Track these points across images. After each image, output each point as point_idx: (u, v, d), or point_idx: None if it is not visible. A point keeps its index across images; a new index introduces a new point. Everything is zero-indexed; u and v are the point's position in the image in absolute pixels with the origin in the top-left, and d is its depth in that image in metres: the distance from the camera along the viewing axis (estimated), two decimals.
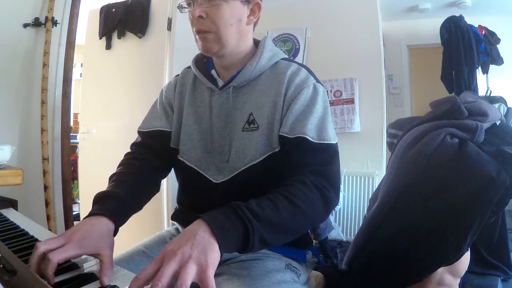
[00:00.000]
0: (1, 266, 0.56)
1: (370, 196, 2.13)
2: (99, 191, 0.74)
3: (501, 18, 3.27)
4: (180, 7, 0.83)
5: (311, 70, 0.87)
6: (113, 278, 0.57)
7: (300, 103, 0.79)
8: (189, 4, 0.81)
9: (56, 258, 0.54)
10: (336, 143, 0.79)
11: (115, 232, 0.69)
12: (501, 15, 3.27)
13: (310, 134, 0.75)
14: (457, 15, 3.07)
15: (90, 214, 0.68)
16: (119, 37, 2.44)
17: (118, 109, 2.45)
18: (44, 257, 0.55)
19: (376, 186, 1.90)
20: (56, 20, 1.97)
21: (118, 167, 0.87)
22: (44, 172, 1.89)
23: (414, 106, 3.80)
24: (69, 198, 1.99)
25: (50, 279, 0.53)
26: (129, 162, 0.89)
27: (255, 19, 0.86)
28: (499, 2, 3.15)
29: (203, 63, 0.92)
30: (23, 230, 0.80)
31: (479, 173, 0.90)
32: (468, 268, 1.01)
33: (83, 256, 0.65)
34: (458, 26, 3.00)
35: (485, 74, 3.13)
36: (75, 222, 2.03)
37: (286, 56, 0.91)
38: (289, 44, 3.13)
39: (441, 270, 0.95)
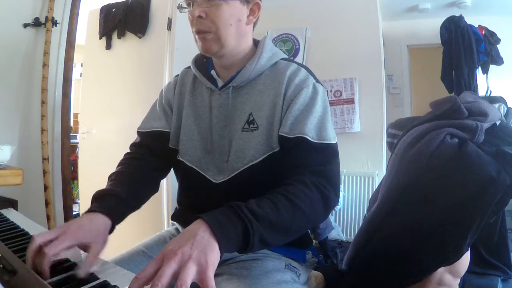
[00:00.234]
0: (1, 266, 0.56)
1: (370, 196, 2.13)
2: (99, 189, 0.76)
3: (501, 18, 3.27)
4: (179, 7, 0.83)
5: (311, 70, 0.87)
6: (113, 278, 0.57)
7: (300, 103, 0.79)
8: (188, 4, 0.81)
9: (51, 251, 0.56)
10: (336, 143, 0.79)
11: (112, 229, 0.71)
12: (501, 15, 3.27)
13: (310, 134, 0.75)
14: (457, 15, 3.07)
15: (88, 211, 0.70)
16: (119, 37, 2.44)
17: (118, 109, 2.45)
18: (40, 250, 0.56)
19: (376, 186, 1.90)
20: (56, 20, 1.97)
21: (117, 167, 0.88)
22: (44, 172, 1.89)
23: (414, 106, 3.80)
24: (69, 198, 2.00)
25: (46, 273, 0.55)
26: (128, 162, 0.90)
27: (254, 19, 0.86)
28: (499, 2, 3.15)
29: (203, 63, 0.92)
30: (23, 230, 0.80)
31: (479, 173, 0.90)
32: (468, 268, 1.01)
33: (83, 256, 0.65)
34: (458, 26, 3.00)
35: (485, 74, 3.13)
36: None
37: (286, 56, 0.91)
38: (289, 44, 3.12)
39: (441, 270, 0.95)
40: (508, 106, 2.35)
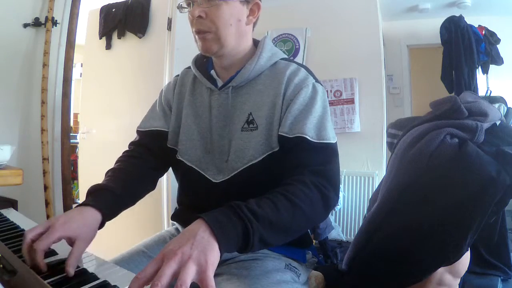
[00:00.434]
0: (1, 266, 0.56)
1: (370, 196, 2.13)
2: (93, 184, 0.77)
3: (501, 18, 3.27)
4: (179, 7, 0.83)
5: (311, 70, 0.87)
6: (113, 278, 0.57)
7: (299, 102, 0.79)
8: (188, 4, 0.81)
9: (41, 246, 0.58)
10: (336, 142, 0.79)
11: (102, 225, 0.72)
12: (501, 15, 3.27)
13: (310, 133, 0.76)
14: (457, 15, 3.07)
15: (80, 204, 0.71)
16: (119, 37, 2.44)
17: (118, 109, 2.45)
18: (32, 244, 0.59)
19: (376, 186, 1.90)
20: (56, 20, 1.97)
21: (115, 164, 0.90)
22: (44, 172, 1.89)
23: (414, 106, 3.80)
24: (69, 198, 2.00)
25: (41, 267, 0.57)
26: (125, 159, 0.91)
27: (254, 19, 0.86)
28: (499, 2, 3.15)
29: (203, 63, 0.92)
30: (23, 230, 0.80)
31: (479, 173, 0.90)
32: (468, 268, 1.01)
33: (83, 256, 0.66)
34: (458, 26, 3.00)
35: (485, 74, 3.13)
36: None
37: (286, 56, 0.92)
38: (289, 44, 3.12)
39: (441, 270, 0.95)
40: (508, 106, 2.35)
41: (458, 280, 1.01)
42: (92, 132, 2.58)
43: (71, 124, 2.46)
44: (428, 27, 3.45)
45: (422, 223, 0.95)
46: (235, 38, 0.82)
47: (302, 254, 0.89)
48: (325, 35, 3.04)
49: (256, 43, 0.90)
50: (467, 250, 0.94)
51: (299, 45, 3.09)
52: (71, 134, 2.12)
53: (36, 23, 1.91)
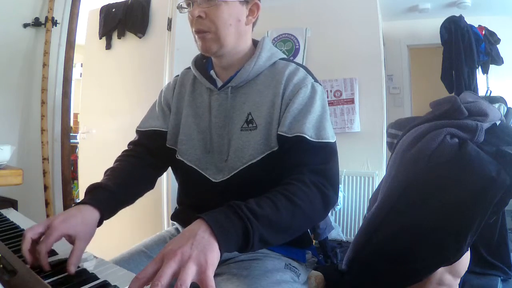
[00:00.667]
0: (1, 266, 0.56)
1: (370, 196, 2.13)
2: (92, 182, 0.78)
3: (501, 18, 3.27)
4: (179, 7, 0.84)
5: (310, 70, 0.87)
6: (113, 278, 0.57)
7: (298, 102, 0.79)
8: (188, 5, 0.82)
9: (43, 248, 0.58)
10: (335, 141, 0.79)
11: (100, 223, 0.72)
12: (501, 15, 3.27)
13: (309, 133, 0.76)
14: (457, 15, 3.07)
15: (79, 203, 0.71)
16: (119, 37, 2.44)
17: (118, 109, 2.45)
18: (32, 243, 0.60)
19: (376, 186, 1.90)
20: (56, 20, 1.97)
21: (114, 163, 0.90)
22: (44, 172, 1.89)
23: (414, 106, 3.80)
24: (69, 198, 2.00)
25: (45, 268, 0.58)
26: (124, 158, 0.91)
27: (253, 19, 0.87)
28: (499, 2, 3.15)
29: (203, 63, 0.93)
30: (23, 230, 0.80)
31: (479, 173, 0.90)
32: (468, 268, 1.01)
33: (83, 256, 0.66)
34: (458, 26, 3.00)
35: (485, 74, 3.13)
36: None
37: (285, 56, 0.92)
38: (289, 44, 3.12)
39: (441, 270, 0.95)
40: (508, 106, 2.34)
41: (458, 280, 1.01)
42: (92, 132, 2.58)
43: (71, 124, 2.46)
44: (428, 27, 3.45)
45: (422, 223, 0.95)
46: (234, 38, 0.83)
47: (302, 254, 0.89)
48: (325, 35, 3.03)
49: (255, 43, 0.90)
50: (467, 250, 0.94)
51: (299, 45, 3.09)
52: (71, 134, 2.12)
53: (36, 23, 1.91)
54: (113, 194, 0.76)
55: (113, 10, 2.46)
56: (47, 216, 1.85)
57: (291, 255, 0.86)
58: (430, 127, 1.05)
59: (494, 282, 1.68)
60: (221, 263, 0.82)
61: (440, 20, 3.12)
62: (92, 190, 0.76)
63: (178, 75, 1.00)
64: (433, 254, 0.92)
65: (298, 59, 3.03)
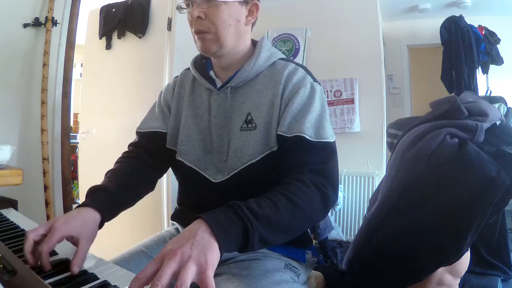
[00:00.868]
0: (1, 266, 0.56)
1: (370, 196, 2.13)
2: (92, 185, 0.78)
3: (501, 18, 3.27)
4: (179, 8, 0.84)
5: (309, 70, 0.87)
6: (113, 278, 0.57)
7: (298, 102, 0.79)
8: (188, 5, 0.82)
9: (45, 248, 0.59)
10: (334, 141, 0.79)
11: (101, 224, 0.73)
12: (501, 15, 3.27)
13: (308, 132, 0.76)
14: (457, 15, 3.06)
15: (80, 205, 0.72)
16: (119, 37, 2.44)
17: (118, 109, 2.45)
18: (34, 244, 0.60)
19: (376, 186, 1.90)
20: (56, 20, 1.97)
21: (114, 165, 0.90)
22: (44, 172, 1.89)
23: (414, 106, 3.80)
24: (69, 198, 2.00)
25: (47, 268, 0.58)
26: (124, 160, 0.91)
27: (253, 20, 0.87)
28: (499, 2, 3.15)
29: (202, 64, 0.93)
30: (23, 230, 0.80)
31: (479, 173, 0.90)
32: (468, 268, 1.01)
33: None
34: (458, 26, 3.00)
35: (485, 74, 3.13)
36: None
37: (284, 56, 0.92)
38: (289, 44, 3.12)
39: (441, 270, 0.95)
40: (508, 106, 2.34)
41: (458, 280, 1.01)
42: (92, 132, 2.58)
43: (71, 124, 2.46)
44: (428, 27, 3.45)
45: (422, 223, 0.95)
46: (234, 39, 0.83)
47: (302, 254, 0.89)
48: (325, 35, 3.03)
49: (254, 43, 0.90)
50: (467, 250, 0.94)
51: (299, 45, 3.09)
52: (71, 134, 2.12)
53: (36, 23, 1.91)
54: (113, 196, 0.76)
55: (113, 10, 2.46)
56: (47, 216, 1.85)
57: (291, 255, 0.86)
58: (430, 127, 1.05)
59: (494, 282, 1.68)
60: (221, 263, 0.82)
61: (440, 20, 3.12)
62: (93, 192, 0.76)
63: (177, 76, 1.00)
64: (433, 254, 0.92)
65: (298, 59, 3.03)
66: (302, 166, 0.73)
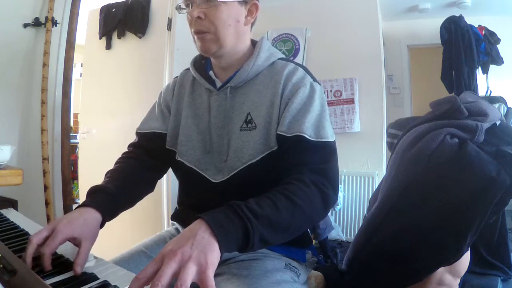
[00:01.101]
0: (1, 266, 0.56)
1: (370, 196, 2.13)
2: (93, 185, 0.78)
3: (501, 18, 3.26)
4: (178, 8, 0.84)
5: (308, 69, 0.88)
6: (113, 278, 0.57)
7: (297, 102, 0.79)
8: (187, 5, 0.81)
9: (48, 250, 0.59)
10: (334, 141, 0.79)
11: (102, 224, 0.73)
12: (501, 15, 3.27)
13: (308, 132, 0.76)
14: (457, 15, 3.06)
15: (80, 206, 0.72)
16: (119, 37, 2.43)
17: (118, 109, 2.45)
18: (37, 248, 0.60)
19: (376, 186, 1.90)
20: (56, 20, 1.97)
21: (114, 165, 0.90)
22: (44, 172, 1.89)
23: (414, 106, 3.80)
24: (69, 198, 2.00)
25: (48, 268, 0.58)
26: (124, 160, 0.91)
27: (252, 20, 0.87)
28: (499, 2, 3.15)
29: (202, 64, 0.93)
30: (23, 230, 0.80)
31: (479, 173, 0.90)
32: (468, 268, 1.01)
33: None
34: (458, 26, 3.00)
35: (485, 74, 3.13)
36: None
37: (283, 56, 0.92)
38: (289, 44, 3.12)
39: (441, 270, 0.95)
40: (508, 106, 2.34)
41: (458, 280, 1.01)
42: (92, 132, 2.58)
43: (71, 124, 2.46)
44: (428, 27, 3.45)
45: (422, 223, 0.95)
46: (233, 39, 0.83)
47: (302, 254, 0.89)
48: (325, 35, 3.03)
49: (254, 43, 0.90)
50: (467, 250, 0.94)
51: (299, 45, 3.09)
52: (71, 134, 2.12)
53: (36, 23, 1.91)
54: (113, 197, 0.77)
55: (113, 10, 2.46)
56: (47, 216, 1.85)
57: (291, 255, 0.86)
58: (430, 127, 1.05)
59: (494, 282, 1.68)
60: (221, 263, 0.82)
61: (440, 20, 3.12)
62: (93, 192, 0.76)
63: (177, 76, 1.00)
64: (433, 254, 0.92)
65: (298, 59, 3.03)
66: (302, 165, 0.73)
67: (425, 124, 1.10)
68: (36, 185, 1.87)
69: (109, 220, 0.75)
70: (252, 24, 0.88)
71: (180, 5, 0.83)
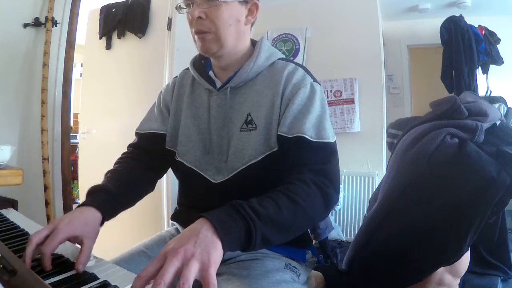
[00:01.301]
0: (1, 266, 0.56)
1: (370, 196, 2.13)
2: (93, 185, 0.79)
3: (501, 18, 3.27)
4: (178, 8, 0.83)
5: (308, 70, 0.87)
6: (113, 278, 0.57)
7: (298, 102, 0.79)
8: (187, 5, 0.81)
9: (48, 249, 0.59)
10: (335, 142, 0.79)
11: (101, 223, 0.73)
12: (501, 15, 3.27)
13: (309, 133, 0.76)
14: (457, 15, 3.06)
15: (81, 205, 0.72)
16: (119, 37, 2.43)
17: (118, 109, 2.45)
18: (36, 247, 0.59)
19: (376, 186, 1.90)
20: (56, 20, 1.97)
21: (114, 165, 0.90)
22: (44, 172, 1.89)
23: (414, 106, 3.80)
24: (69, 198, 2.00)
25: (48, 268, 0.58)
26: (124, 161, 0.91)
27: (253, 19, 0.87)
28: (499, 2, 3.15)
29: (201, 64, 0.93)
30: (23, 230, 0.80)
31: (479, 173, 0.90)
32: (468, 268, 1.01)
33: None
34: (458, 26, 3.00)
35: (485, 74, 3.13)
36: None
37: (283, 56, 0.92)
38: (289, 44, 3.12)
39: (441, 270, 0.95)
40: (508, 106, 2.35)
41: (458, 280, 1.01)
42: (92, 132, 2.58)
43: (71, 124, 2.46)
44: (428, 27, 3.45)
45: (422, 223, 0.95)
46: (234, 39, 0.83)
47: (302, 254, 0.89)
48: (325, 35, 3.03)
49: (254, 43, 0.90)
50: (467, 250, 0.94)
51: (299, 45, 3.09)
52: (71, 134, 2.12)
53: (36, 23, 1.91)
54: (113, 197, 0.77)
55: (113, 10, 2.46)
56: (47, 216, 1.85)
57: (291, 255, 0.86)
58: (430, 127, 1.05)
59: (494, 282, 1.68)
60: (222, 263, 0.82)
61: (440, 20, 3.12)
62: (93, 192, 0.76)
63: (176, 76, 1.00)
64: (433, 254, 0.92)
65: (298, 59, 3.03)
66: (303, 166, 0.73)
67: (425, 124, 1.10)
68: (36, 185, 1.87)
69: (108, 220, 0.75)
70: (252, 23, 0.88)
71: (180, 5, 0.82)
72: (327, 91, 2.95)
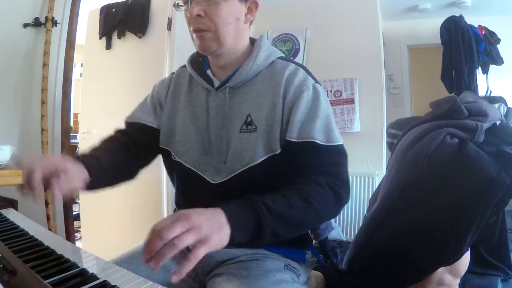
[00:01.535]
0: (1, 266, 0.56)
1: (370, 196, 2.13)
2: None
3: (501, 18, 3.26)
4: (176, 5, 0.82)
5: (308, 69, 0.87)
6: (113, 278, 0.57)
7: (303, 106, 0.79)
8: (185, 3, 0.80)
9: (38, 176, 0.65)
10: (342, 144, 0.80)
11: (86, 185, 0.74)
12: (501, 15, 3.27)
13: (319, 137, 0.76)
14: (457, 15, 3.06)
15: None
16: (119, 37, 2.43)
17: (118, 109, 2.43)
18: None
19: (376, 186, 1.90)
20: (56, 20, 1.98)
21: (100, 143, 0.92)
22: None
23: (414, 106, 3.80)
24: (69, 198, 1.99)
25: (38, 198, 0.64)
26: (110, 140, 0.94)
27: (252, 18, 0.85)
28: (499, 2, 3.15)
29: (199, 62, 0.92)
30: (23, 230, 0.80)
31: (479, 173, 0.90)
32: (468, 268, 1.01)
33: (83, 256, 0.65)
34: (458, 26, 3.00)
35: (485, 74, 3.13)
36: (75, 222, 2.03)
37: (283, 55, 0.90)
38: (289, 44, 3.12)
39: (441, 270, 0.95)
40: (508, 106, 2.35)
41: (458, 280, 1.01)
42: (92, 132, 2.58)
43: (71, 124, 2.46)
44: (428, 27, 3.44)
45: (422, 223, 0.95)
46: (233, 37, 0.82)
47: (302, 254, 0.89)
48: (325, 35, 3.03)
49: (252, 42, 0.89)
50: (467, 250, 0.94)
51: (299, 45, 3.09)
52: (71, 134, 2.12)
53: (36, 23, 1.91)
54: (97, 159, 0.79)
55: (113, 10, 2.45)
56: (47, 216, 1.85)
57: (290, 255, 0.86)
58: (430, 127, 1.05)
59: (494, 282, 1.68)
60: (221, 263, 0.82)
61: (440, 20, 3.11)
62: (81, 155, 0.79)
63: (173, 73, 0.99)
64: (433, 254, 0.92)
65: (298, 59, 3.03)
66: (315, 168, 0.74)
67: (425, 124, 1.10)
68: None
69: (91, 185, 0.74)
70: (251, 22, 0.87)
71: (178, 3, 0.81)
72: (327, 91, 2.95)
